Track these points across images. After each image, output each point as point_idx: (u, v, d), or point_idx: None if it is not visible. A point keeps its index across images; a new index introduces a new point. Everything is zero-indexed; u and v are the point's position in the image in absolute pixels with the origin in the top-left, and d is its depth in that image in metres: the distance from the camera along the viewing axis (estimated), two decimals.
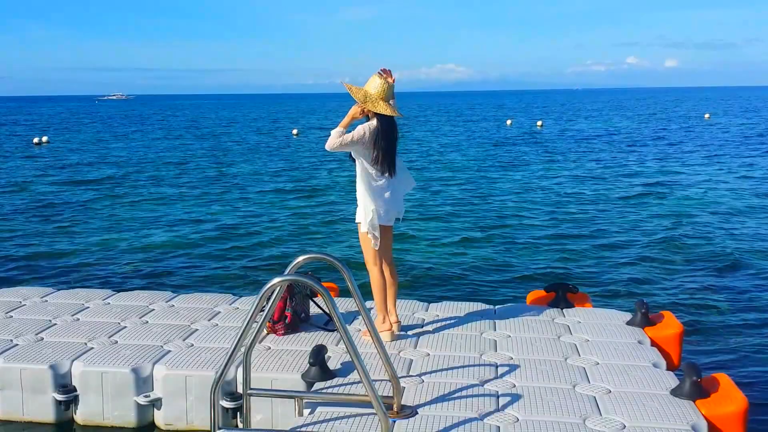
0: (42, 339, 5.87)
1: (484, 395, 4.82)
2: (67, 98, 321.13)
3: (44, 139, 40.58)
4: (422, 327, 6.21)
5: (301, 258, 4.59)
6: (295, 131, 48.83)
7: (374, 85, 5.53)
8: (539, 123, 52.80)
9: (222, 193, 20.15)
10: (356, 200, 5.75)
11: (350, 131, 5.53)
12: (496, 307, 6.89)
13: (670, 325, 6.05)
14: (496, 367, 5.33)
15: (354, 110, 5.56)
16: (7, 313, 6.52)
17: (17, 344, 5.72)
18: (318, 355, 5.05)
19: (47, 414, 5.39)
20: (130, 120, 73.70)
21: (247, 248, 13.01)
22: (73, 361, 5.43)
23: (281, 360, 5.37)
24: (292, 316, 5.94)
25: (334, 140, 5.43)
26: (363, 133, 5.50)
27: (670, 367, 5.63)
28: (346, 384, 4.97)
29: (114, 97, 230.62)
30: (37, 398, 5.37)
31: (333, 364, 5.29)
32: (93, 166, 27.85)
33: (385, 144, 5.56)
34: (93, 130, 54.52)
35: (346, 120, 5.55)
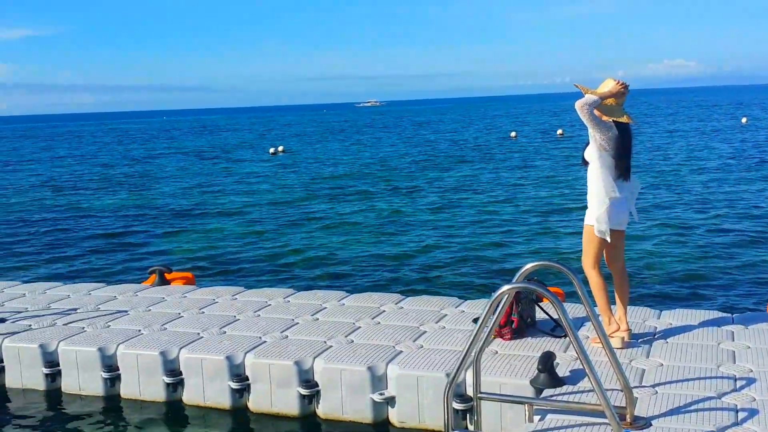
0: (287, 337, 6.37)
1: (721, 409, 4.57)
2: (326, 106, 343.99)
3: (280, 148, 43.71)
4: (654, 335, 5.99)
5: (529, 265, 4.63)
6: (513, 133, 48.72)
7: (610, 88, 5.50)
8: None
9: (455, 197, 20.50)
10: (586, 203, 5.71)
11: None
12: (734, 315, 6.52)
13: None
14: (735, 379, 5.03)
15: (615, 88, 5.52)
16: (255, 312, 7.14)
17: (265, 341, 6.25)
18: (547, 361, 5.05)
19: (292, 407, 5.82)
20: (379, 124, 77.40)
21: (475, 252, 13.19)
22: (314, 358, 5.83)
23: (509, 365, 5.42)
24: (518, 321, 5.98)
25: (587, 101, 5.39)
26: (610, 125, 5.48)
27: None
28: (575, 392, 4.92)
29: (369, 104, 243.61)
30: (284, 392, 5.82)
31: (562, 371, 5.25)
32: (329, 171, 29.50)
33: (624, 148, 5.55)
34: (339, 137, 57.80)
35: (605, 92, 5.52)
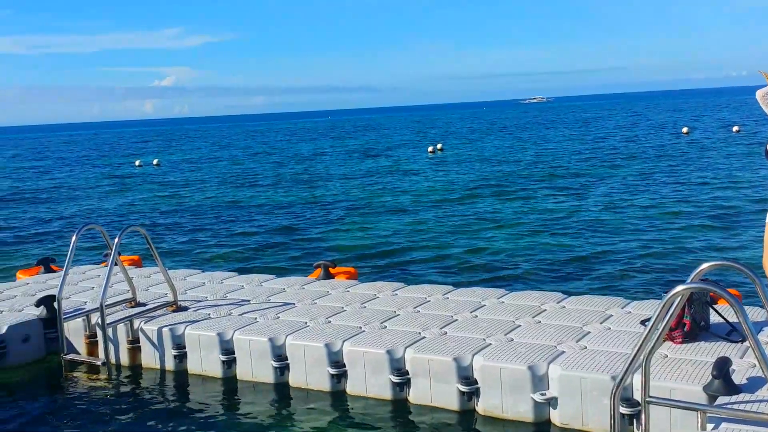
0: (445, 333, 6.39)
1: None
2: (490, 104, 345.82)
3: (439, 146, 44.02)
4: None
5: (705, 265, 4.39)
6: (685, 129, 46.32)
7: None
8: None
9: (626, 196, 19.78)
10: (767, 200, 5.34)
11: None
12: None
13: None
14: None
15: None
16: (415, 308, 7.23)
17: (425, 336, 6.31)
18: (723, 367, 4.75)
19: (451, 402, 5.83)
20: (544, 121, 76.44)
21: (644, 252, 12.66)
22: (473, 355, 5.81)
23: (680, 369, 5.16)
24: (691, 324, 5.67)
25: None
26: None
27: None
28: (753, 401, 4.60)
29: (534, 100, 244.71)
30: (442, 387, 5.85)
31: (738, 378, 4.93)
32: (492, 169, 29.36)
33: None
34: (501, 135, 57.54)
35: None
